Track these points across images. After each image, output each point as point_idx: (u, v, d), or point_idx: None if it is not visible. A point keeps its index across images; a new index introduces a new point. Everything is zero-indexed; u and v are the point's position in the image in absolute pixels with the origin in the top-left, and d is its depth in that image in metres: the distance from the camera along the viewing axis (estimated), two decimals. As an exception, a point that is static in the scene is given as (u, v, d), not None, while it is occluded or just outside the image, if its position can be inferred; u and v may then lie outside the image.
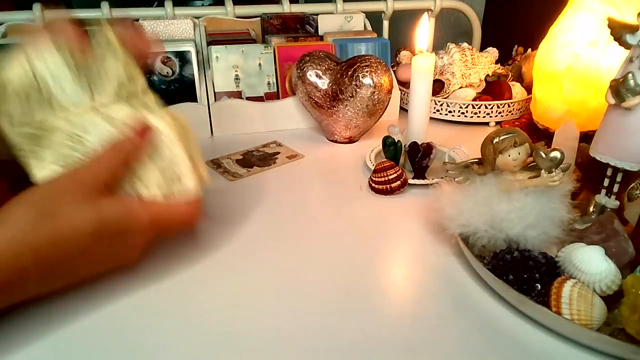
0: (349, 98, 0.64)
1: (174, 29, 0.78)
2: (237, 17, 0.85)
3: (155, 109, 0.41)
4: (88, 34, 0.38)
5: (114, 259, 0.38)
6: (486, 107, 0.76)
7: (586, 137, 0.48)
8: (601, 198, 0.45)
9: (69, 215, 0.34)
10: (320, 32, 0.84)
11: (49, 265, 0.33)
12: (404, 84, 0.83)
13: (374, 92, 0.63)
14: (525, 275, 0.36)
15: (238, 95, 0.75)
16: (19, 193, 0.34)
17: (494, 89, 0.79)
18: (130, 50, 0.40)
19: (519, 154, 0.39)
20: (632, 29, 0.39)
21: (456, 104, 0.76)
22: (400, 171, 0.55)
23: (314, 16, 0.85)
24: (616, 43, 0.40)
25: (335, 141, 0.71)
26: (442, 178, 0.47)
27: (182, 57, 0.71)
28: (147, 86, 0.41)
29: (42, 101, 0.36)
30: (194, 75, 0.72)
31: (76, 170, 0.36)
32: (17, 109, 0.36)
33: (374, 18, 0.91)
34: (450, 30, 1.29)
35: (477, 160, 0.42)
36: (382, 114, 0.68)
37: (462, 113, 0.77)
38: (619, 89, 0.39)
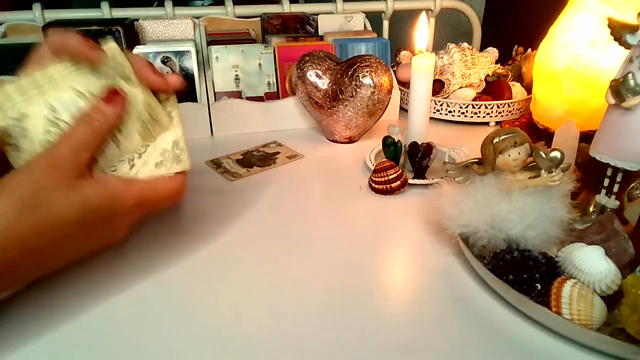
0: (349, 98, 0.64)
1: (174, 29, 0.78)
2: (237, 17, 0.85)
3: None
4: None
5: (101, 240, 0.38)
6: (486, 107, 0.76)
7: (586, 137, 0.48)
8: (601, 198, 0.45)
9: (54, 205, 0.33)
10: (320, 32, 0.84)
11: (35, 256, 0.33)
12: (404, 84, 0.83)
13: (374, 92, 0.63)
14: (525, 275, 0.36)
15: (238, 95, 0.75)
16: None
17: (494, 89, 0.79)
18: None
19: (519, 154, 0.39)
20: (632, 29, 0.39)
21: (456, 104, 0.76)
22: (400, 171, 0.55)
23: (314, 16, 0.85)
24: (616, 43, 0.40)
25: (335, 141, 0.71)
26: (442, 178, 0.47)
27: (182, 57, 0.71)
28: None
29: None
30: (194, 75, 0.72)
31: (51, 154, 0.34)
32: None
33: (374, 18, 0.91)
34: (450, 30, 1.29)
35: (477, 160, 0.42)
36: (382, 114, 0.68)
37: (462, 113, 0.77)
38: (619, 89, 0.39)
